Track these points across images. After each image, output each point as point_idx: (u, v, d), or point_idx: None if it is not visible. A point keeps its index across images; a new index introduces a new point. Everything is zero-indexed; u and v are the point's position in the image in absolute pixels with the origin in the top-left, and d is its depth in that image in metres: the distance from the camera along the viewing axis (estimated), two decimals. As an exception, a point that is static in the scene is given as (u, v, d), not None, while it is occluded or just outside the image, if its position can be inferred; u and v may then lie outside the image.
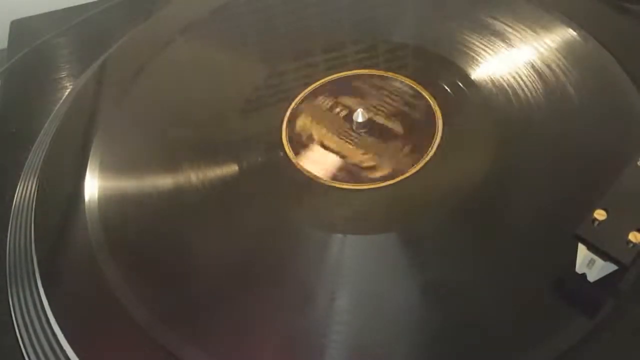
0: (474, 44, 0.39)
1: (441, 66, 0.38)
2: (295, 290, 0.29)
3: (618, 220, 0.26)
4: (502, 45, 0.39)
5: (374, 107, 0.37)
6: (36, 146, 0.39)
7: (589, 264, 0.26)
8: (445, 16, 0.42)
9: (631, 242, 0.25)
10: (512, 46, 0.38)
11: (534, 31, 0.39)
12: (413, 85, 0.37)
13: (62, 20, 0.48)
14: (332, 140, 0.35)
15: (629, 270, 0.26)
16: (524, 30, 0.39)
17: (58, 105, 0.41)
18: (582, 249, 0.26)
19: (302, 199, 0.33)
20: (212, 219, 0.32)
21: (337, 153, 0.35)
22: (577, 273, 0.27)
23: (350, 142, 0.35)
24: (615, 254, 0.25)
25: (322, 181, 0.33)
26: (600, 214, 0.26)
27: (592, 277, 0.27)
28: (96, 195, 0.33)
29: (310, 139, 0.36)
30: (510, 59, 0.38)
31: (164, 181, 0.34)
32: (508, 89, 0.36)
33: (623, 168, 0.28)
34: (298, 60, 0.41)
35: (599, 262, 0.26)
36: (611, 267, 0.26)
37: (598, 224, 0.26)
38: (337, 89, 0.38)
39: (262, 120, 0.37)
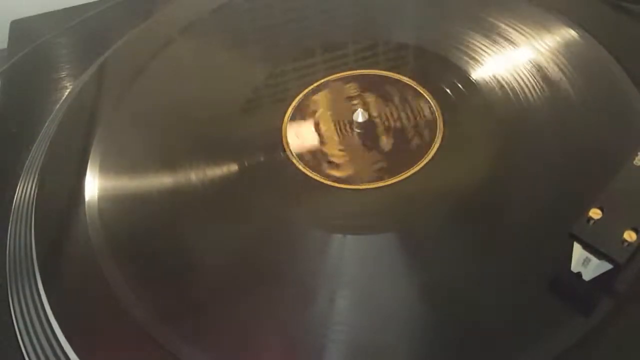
0: (474, 44, 0.39)
1: (441, 66, 0.38)
2: (295, 290, 0.29)
3: (613, 219, 0.26)
4: (503, 45, 0.39)
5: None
6: (36, 146, 0.39)
7: (585, 263, 0.26)
8: (445, 16, 0.42)
9: (626, 240, 0.25)
10: (513, 46, 0.38)
11: (534, 31, 0.39)
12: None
13: (62, 20, 0.48)
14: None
15: (624, 269, 0.26)
16: (524, 30, 0.39)
17: (58, 105, 0.41)
18: (577, 248, 0.26)
19: (302, 198, 0.33)
20: (212, 218, 0.32)
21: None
22: (573, 272, 0.27)
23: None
24: (610, 253, 0.25)
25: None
26: (595, 213, 0.26)
27: (587, 275, 0.27)
28: (96, 195, 0.33)
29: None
30: (511, 59, 0.38)
31: (164, 181, 0.34)
32: (508, 89, 0.36)
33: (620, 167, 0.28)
34: (298, 60, 0.41)
35: (594, 260, 0.26)
36: (606, 266, 0.26)
37: (593, 223, 0.26)
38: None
39: (262, 120, 0.37)
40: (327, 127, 0.36)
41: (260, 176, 0.34)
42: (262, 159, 0.35)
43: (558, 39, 0.38)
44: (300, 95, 0.38)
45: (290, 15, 0.45)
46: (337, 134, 0.36)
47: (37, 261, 0.31)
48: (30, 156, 0.38)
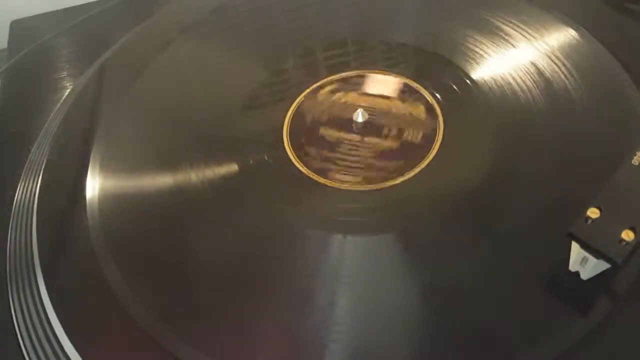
0: (474, 44, 0.39)
1: (441, 66, 0.38)
2: (295, 290, 0.29)
3: (611, 219, 0.26)
4: (503, 45, 0.39)
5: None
6: (36, 146, 0.39)
7: (582, 262, 0.26)
8: (445, 16, 0.42)
9: (624, 240, 0.25)
10: (513, 46, 0.38)
11: (535, 31, 0.39)
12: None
13: (62, 20, 0.48)
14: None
15: (622, 268, 0.26)
16: (524, 30, 0.39)
17: (58, 106, 0.41)
18: (575, 247, 0.26)
19: (302, 199, 0.33)
20: (213, 218, 0.32)
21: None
22: (570, 271, 0.27)
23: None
24: (608, 252, 0.25)
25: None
26: (593, 212, 0.26)
27: (585, 275, 0.27)
28: (97, 195, 0.33)
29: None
30: (511, 59, 0.38)
31: (165, 181, 0.34)
32: (508, 89, 0.36)
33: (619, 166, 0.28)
34: (298, 60, 0.41)
35: (592, 260, 0.26)
36: (604, 265, 0.26)
37: (591, 222, 0.26)
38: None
39: (263, 119, 0.37)
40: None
41: (260, 176, 0.34)
42: (262, 159, 0.35)
43: (558, 38, 0.38)
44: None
45: (290, 15, 0.45)
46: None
47: (37, 261, 0.31)
48: (30, 156, 0.38)
